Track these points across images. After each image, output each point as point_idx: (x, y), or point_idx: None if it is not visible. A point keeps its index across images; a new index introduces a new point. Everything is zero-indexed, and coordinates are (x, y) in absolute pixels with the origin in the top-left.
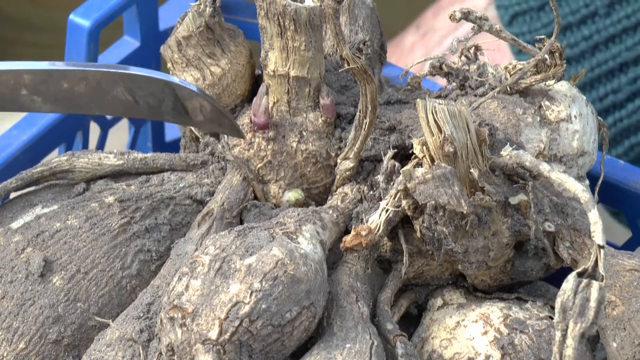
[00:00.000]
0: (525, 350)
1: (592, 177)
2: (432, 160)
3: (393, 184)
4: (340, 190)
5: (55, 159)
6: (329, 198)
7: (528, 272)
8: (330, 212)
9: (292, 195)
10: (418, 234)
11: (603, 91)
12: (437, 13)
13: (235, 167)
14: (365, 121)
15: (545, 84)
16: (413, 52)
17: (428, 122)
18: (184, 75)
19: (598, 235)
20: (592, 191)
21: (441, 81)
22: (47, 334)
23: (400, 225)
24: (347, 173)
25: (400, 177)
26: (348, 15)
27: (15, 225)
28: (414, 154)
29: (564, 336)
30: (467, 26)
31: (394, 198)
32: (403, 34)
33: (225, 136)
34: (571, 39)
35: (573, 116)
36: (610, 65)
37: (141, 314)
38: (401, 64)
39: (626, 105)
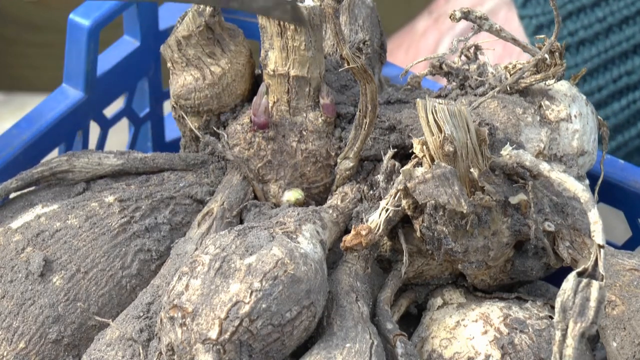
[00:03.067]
0: (525, 350)
1: (592, 177)
2: (432, 160)
3: (393, 184)
4: (340, 189)
5: (55, 159)
6: (329, 197)
7: (528, 272)
8: (330, 211)
9: (292, 194)
10: (418, 234)
11: (617, 73)
12: None
13: (235, 166)
14: (365, 121)
15: (545, 84)
16: (425, 37)
17: (428, 121)
18: (183, 74)
19: (598, 235)
20: (592, 191)
21: (441, 81)
22: (47, 334)
23: (400, 224)
24: (347, 172)
25: (400, 177)
26: (348, 14)
27: (15, 224)
28: (414, 153)
29: (564, 336)
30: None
31: (394, 197)
32: (415, 20)
33: (226, 135)
34: (585, 20)
35: (573, 116)
36: (624, 47)
37: (141, 314)
38: (412, 50)
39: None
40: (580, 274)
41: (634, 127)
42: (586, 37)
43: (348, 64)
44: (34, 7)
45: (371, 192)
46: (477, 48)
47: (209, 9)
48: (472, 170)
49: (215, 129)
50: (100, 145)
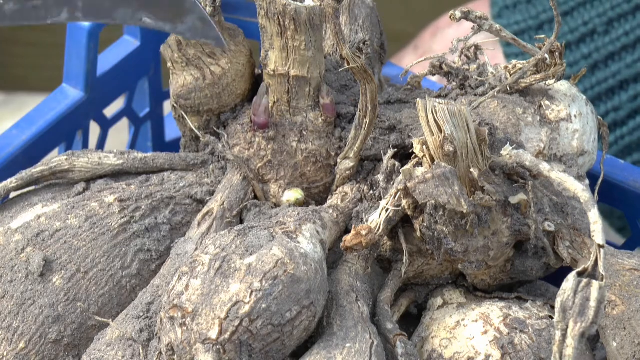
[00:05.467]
0: (525, 350)
1: (592, 177)
2: (432, 160)
3: (393, 184)
4: (340, 189)
5: (55, 158)
6: (329, 197)
7: (528, 272)
8: (330, 211)
9: (292, 194)
10: (418, 234)
11: (604, 109)
12: (435, 34)
13: (236, 166)
14: (365, 121)
15: (545, 84)
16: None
17: (428, 121)
18: (184, 74)
19: (598, 235)
20: (592, 191)
21: (441, 81)
22: (47, 334)
23: (400, 224)
24: (347, 172)
25: (400, 177)
26: (348, 14)
27: (15, 224)
28: (414, 153)
29: (564, 336)
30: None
31: (394, 197)
32: (401, 54)
33: (226, 135)
34: (570, 57)
35: (573, 115)
36: (610, 83)
37: (141, 314)
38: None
39: (627, 122)
40: (580, 274)
41: None
42: (572, 74)
43: (348, 64)
44: None
45: (371, 192)
46: (477, 48)
47: (209, 9)
48: (472, 170)
49: (215, 128)
50: (100, 145)
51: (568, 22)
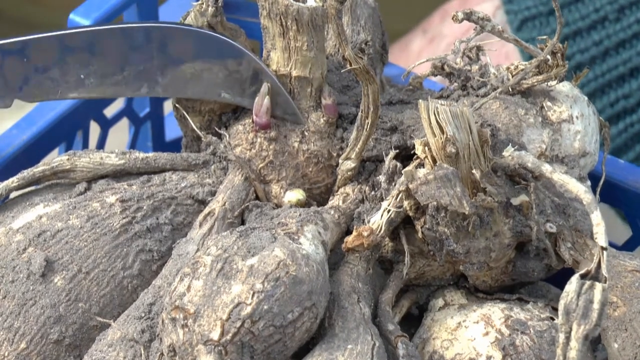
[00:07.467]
0: (527, 351)
1: (592, 177)
2: (434, 161)
3: (395, 185)
4: (341, 190)
5: (57, 158)
6: (331, 198)
7: (529, 273)
8: (332, 212)
9: (294, 195)
10: (420, 235)
11: (614, 96)
12: (444, 17)
13: (237, 167)
14: (367, 121)
15: (547, 85)
16: (420, 58)
17: (430, 122)
18: None
19: (601, 237)
20: (594, 191)
21: (443, 81)
22: (49, 334)
23: (401, 225)
24: (348, 173)
25: (402, 178)
26: (350, 15)
27: (16, 224)
28: (416, 154)
29: (568, 338)
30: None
31: (396, 198)
32: (409, 37)
33: (228, 136)
34: (581, 44)
35: (575, 117)
36: (620, 70)
37: (142, 314)
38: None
39: (637, 110)
40: (583, 277)
41: (632, 151)
42: (583, 61)
43: (350, 65)
44: (33, 7)
45: (373, 193)
46: (479, 49)
47: (211, 9)
48: (474, 171)
49: (217, 129)
50: (101, 145)
51: (579, 8)
